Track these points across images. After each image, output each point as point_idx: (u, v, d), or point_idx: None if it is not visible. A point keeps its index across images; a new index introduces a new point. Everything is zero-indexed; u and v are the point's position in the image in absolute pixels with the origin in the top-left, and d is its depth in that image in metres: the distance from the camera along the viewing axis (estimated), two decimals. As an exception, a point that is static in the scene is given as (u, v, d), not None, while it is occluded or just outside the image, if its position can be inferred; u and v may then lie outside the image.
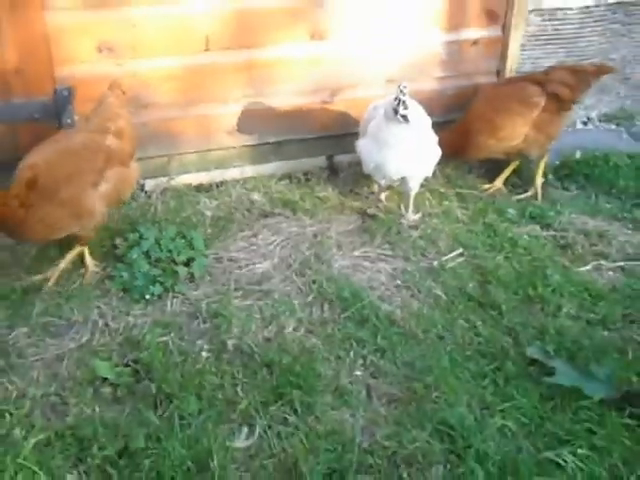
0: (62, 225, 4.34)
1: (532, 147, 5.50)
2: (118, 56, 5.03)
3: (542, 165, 5.66)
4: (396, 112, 4.69)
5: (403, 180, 5.13)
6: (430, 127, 5.14)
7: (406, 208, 5.31)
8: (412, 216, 5.28)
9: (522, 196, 5.65)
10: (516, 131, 5.41)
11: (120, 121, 4.53)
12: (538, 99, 5.36)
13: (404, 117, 4.69)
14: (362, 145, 5.13)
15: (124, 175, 4.57)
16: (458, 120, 5.64)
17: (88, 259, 4.65)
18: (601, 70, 5.42)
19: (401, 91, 4.64)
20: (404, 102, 4.65)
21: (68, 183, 4.24)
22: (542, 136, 5.45)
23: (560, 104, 5.37)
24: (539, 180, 5.66)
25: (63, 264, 4.56)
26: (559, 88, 5.32)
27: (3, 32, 4.66)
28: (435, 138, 5.19)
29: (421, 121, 5.02)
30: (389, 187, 5.46)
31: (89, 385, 3.85)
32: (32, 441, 3.47)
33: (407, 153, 4.94)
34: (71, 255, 4.59)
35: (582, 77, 5.33)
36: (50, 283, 4.48)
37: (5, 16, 4.63)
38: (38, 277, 4.51)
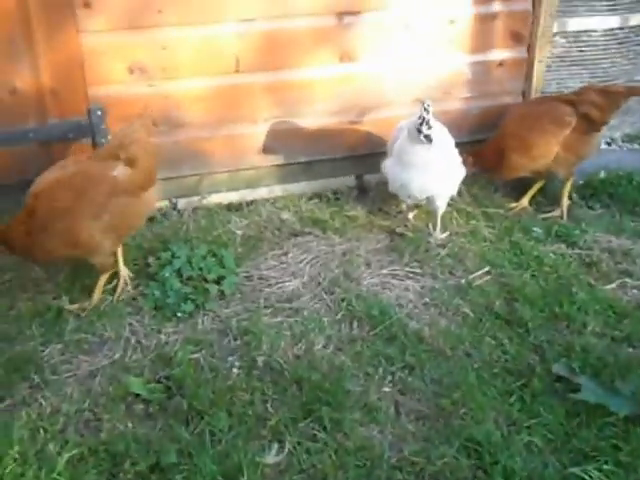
0: (59, 253, 4.35)
1: (561, 166, 5.49)
2: (150, 77, 5.09)
3: (569, 185, 5.65)
4: (420, 132, 4.70)
5: (429, 199, 5.16)
6: (454, 146, 5.17)
7: (434, 227, 5.34)
8: (440, 235, 5.31)
9: (548, 215, 5.65)
10: (548, 150, 5.40)
11: (134, 149, 4.37)
12: (570, 119, 5.35)
13: (427, 137, 4.70)
14: (388, 165, 5.17)
15: (132, 206, 4.45)
16: (490, 137, 5.66)
17: (123, 270, 4.70)
18: (631, 91, 5.38)
19: (425, 109, 4.65)
20: (428, 121, 4.66)
21: (64, 214, 4.21)
22: (571, 156, 5.43)
23: (590, 125, 5.36)
24: (565, 199, 5.65)
25: (96, 295, 4.57)
26: (590, 109, 5.31)
27: (40, 55, 4.75)
28: (459, 157, 5.22)
29: (444, 140, 5.04)
30: (417, 206, 5.49)
31: (122, 401, 3.89)
32: (66, 456, 3.50)
33: (431, 173, 4.97)
34: (101, 284, 4.58)
35: (613, 98, 5.30)
36: (85, 313, 4.50)
37: (42, 40, 4.72)
38: (74, 306, 4.52)
